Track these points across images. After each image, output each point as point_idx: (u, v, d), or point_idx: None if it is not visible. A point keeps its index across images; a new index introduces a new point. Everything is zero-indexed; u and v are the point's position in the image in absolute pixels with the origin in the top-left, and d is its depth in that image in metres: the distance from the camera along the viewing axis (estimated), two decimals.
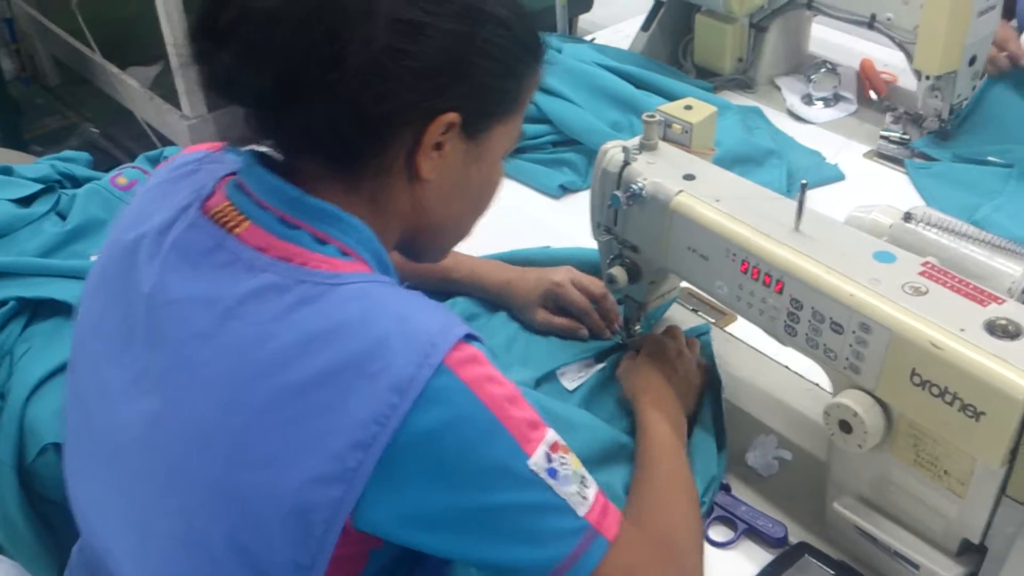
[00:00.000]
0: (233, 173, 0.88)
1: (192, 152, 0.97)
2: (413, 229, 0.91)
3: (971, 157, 1.66)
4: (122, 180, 1.49)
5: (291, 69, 0.77)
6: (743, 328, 1.28)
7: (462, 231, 0.98)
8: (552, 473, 0.78)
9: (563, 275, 1.31)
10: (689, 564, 0.93)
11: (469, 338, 0.79)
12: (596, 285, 1.31)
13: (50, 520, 1.18)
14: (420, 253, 0.96)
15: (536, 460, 0.77)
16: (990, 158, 1.64)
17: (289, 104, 0.79)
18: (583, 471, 0.82)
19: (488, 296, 1.35)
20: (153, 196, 0.92)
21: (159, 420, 0.82)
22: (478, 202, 0.96)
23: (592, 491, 0.82)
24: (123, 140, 2.99)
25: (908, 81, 1.77)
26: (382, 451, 0.73)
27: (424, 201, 0.88)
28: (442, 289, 1.36)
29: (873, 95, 1.89)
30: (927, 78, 1.62)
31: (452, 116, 0.83)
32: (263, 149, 0.88)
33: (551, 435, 0.80)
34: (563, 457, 0.80)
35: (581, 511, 0.80)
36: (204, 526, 0.78)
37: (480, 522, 0.77)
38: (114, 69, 2.98)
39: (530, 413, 0.79)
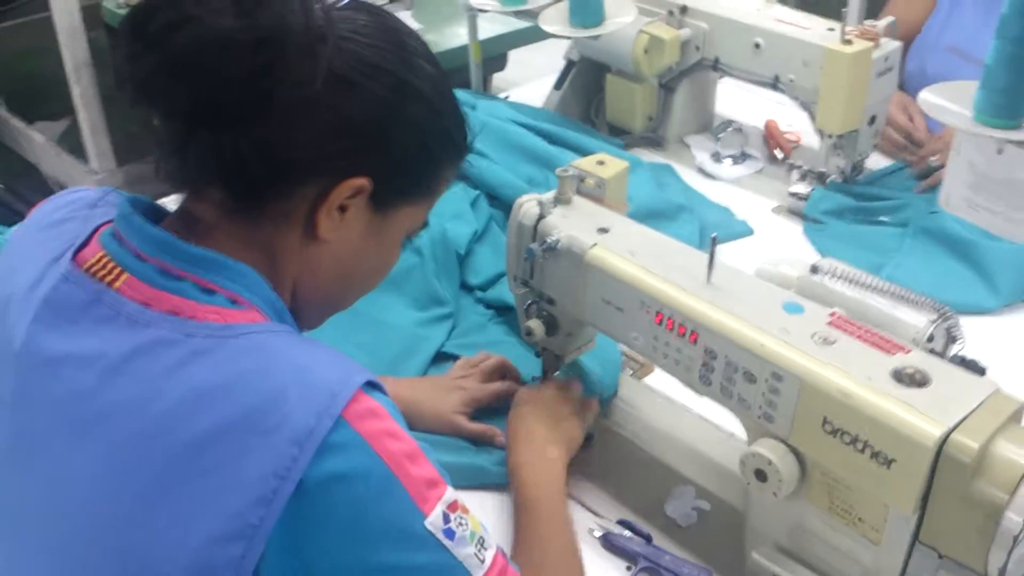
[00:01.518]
0: (110, 221, 0.83)
1: (64, 196, 0.91)
2: (299, 289, 0.87)
3: (864, 220, 1.69)
4: None
5: (214, 92, 0.74)
6: (659, 379, 1.29)
7: (344, 303, 0.94)
8: (449, 534, 0.77)
9: (461, 371, 1.26)
10: None
11: (371, 386, 0.77)
12: (492, 361, 1.26)
13: None
14: (296, 317, 0.90)
15: (433, 520, 0.76)
16: (881, 218, 1.68)
17: (200, 125, 0.76)
18: (483, 532, 0.81)
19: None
20: (25, 248, 0.87)
21: (47, 486, 0.78)
22: (368, 278, 0.93)
23: (490, 553, 0.81)
24: (28, 195, 2.92)
25: (812, 139, 1.83)
26: (284, 504, 0.71)
27: (315, 263, 0.85)
28: None
29: (778, 154, 1.94)
30: (829, 137, 1.67)
31: (363, 181, 0.81)
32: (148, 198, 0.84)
33: (450, 494, 0.78)
34: (461, 517, 0.79)
35: (477, 574, 0.79)
36: None
37: None
38: (20, 124, 2.93)
39: (429, 471, 0.78)
